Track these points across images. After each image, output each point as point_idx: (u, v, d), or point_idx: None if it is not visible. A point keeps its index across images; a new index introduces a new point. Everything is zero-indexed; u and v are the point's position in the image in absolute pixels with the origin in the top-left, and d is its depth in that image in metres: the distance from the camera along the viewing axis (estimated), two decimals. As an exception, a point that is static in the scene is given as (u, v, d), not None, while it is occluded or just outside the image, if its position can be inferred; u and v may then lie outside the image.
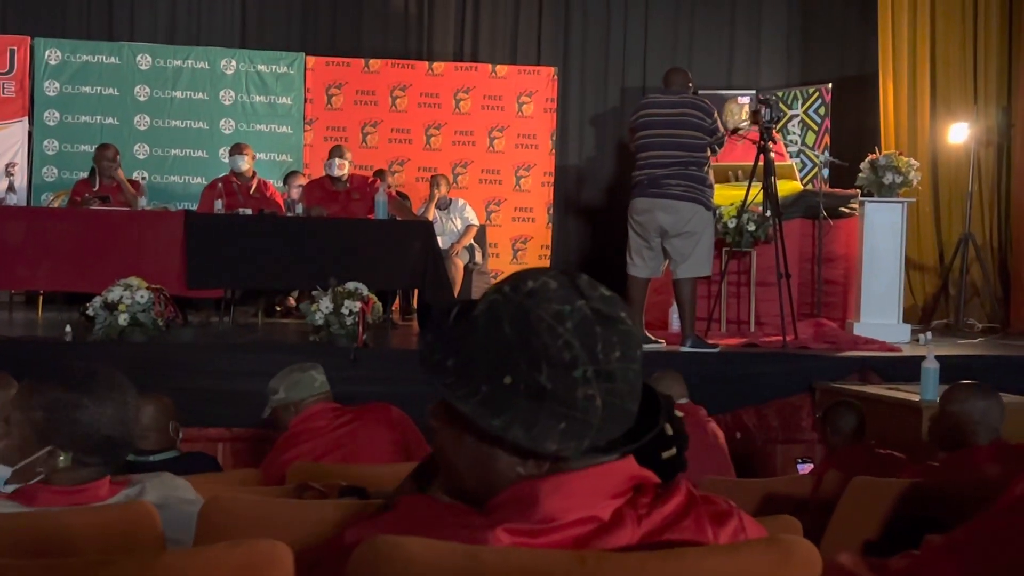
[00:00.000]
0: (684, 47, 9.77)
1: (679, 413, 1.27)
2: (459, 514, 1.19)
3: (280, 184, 8.14)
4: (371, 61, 9.14)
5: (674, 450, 1.25)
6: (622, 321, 1.17)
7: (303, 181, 7.93)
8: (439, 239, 6.94)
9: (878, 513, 2.60)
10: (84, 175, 7.23)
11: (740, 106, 8.96)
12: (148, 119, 8.89)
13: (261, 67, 9.02)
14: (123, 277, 5.41)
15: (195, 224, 6.15)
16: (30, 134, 8.70)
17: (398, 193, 8.00)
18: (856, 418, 3.70)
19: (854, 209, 7.07)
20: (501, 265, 8.86)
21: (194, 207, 7.44)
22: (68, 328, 5.28)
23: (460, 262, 7.74)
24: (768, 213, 6.19)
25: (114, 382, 1.88)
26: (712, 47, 9.80)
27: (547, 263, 9.17)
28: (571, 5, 9.68)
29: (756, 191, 6.20)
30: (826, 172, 8.04)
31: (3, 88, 8.67)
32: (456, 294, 7.15)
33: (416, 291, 7.17)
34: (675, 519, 1.18)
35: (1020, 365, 5.49)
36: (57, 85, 8.77)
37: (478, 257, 8.02)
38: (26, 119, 8.69)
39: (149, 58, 8.89)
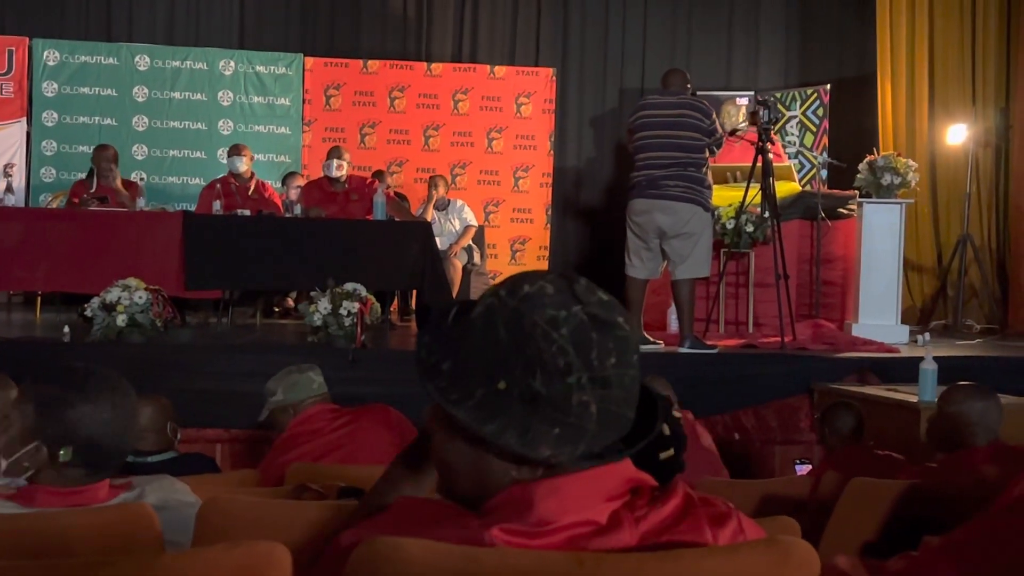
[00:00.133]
0: (682, 48, 9.76)
1: (677, 414, 1.27)
2: (455, 515, 1.19)
3: (278, 185, 8.14)
4: (369, 62, 9.14)
5: (672, 451, 1.25)
6: (619, 326, 1.16)
7: (301, 182, 7.94)
8: (437, 240, 6.94)
9: (876, 514, 2.61)
10: (82, 176, 7.23)
11: (738, 107, 8.96)
12: (146, 120, 8.89)
13: (259, 68, 9.02)
14: (121, 278, 5.40)
15: (193, 225, 6.14)
16: (28, 135, 8.69)
17: (396, 194, 8.00)
18: (854, 419, 3.69)
19: (852, 210, 7.07)
20: (499, 266, 8.86)
21: (192, 208, 7.43)
22: (66, 329, 5.26)
23: (458, 263, 7.74)
24: (766, 214, 6.20)
25: (110, 385, 1.87)
26: (710, 48, 9.79)
27: (545, 264, 9.17)
28: (570, 6, 9.67)
29: (754, 192, 6.21)
30: (824, 173, 8.06)
31: (1, 89, 8.66)
32: (454, 295, 7.14)
33: (414, 292, 7.16)
34: (673, 521, 1.18)
35: (1018, 366, 5.48)
36: (55, 86, 8.76)
37: (476, 258, 8.02)
38: (24, 120, 8.68)
39: (147, 59, 8.89)
